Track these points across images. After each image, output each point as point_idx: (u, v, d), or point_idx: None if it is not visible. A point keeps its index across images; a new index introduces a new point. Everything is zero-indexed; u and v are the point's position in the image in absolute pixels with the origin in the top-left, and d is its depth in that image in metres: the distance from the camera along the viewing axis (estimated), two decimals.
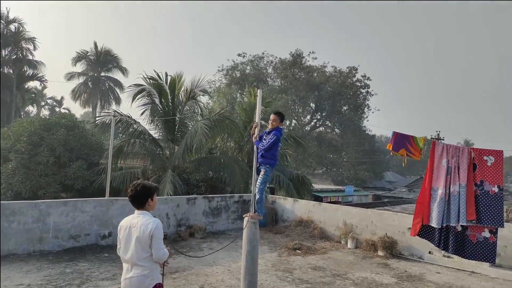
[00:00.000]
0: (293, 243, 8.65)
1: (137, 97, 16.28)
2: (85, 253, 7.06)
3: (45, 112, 43.95)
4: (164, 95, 16.06)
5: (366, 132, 44.49)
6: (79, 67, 39.94)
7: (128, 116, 16.00)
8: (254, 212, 5.34)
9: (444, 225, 5.37)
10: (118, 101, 40.98)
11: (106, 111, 36.28)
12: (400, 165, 61.34)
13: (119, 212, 8.10)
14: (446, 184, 5.33)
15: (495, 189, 5.18)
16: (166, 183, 13.49)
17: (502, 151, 5.33)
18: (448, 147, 5.41)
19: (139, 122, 16.23)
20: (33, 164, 16.16)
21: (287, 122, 41.64)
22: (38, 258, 6.56)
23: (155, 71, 15.93)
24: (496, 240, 5.32)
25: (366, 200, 38.24)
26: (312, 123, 44.79)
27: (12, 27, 21.23)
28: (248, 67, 41.87)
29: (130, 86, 16.48)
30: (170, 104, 16.17)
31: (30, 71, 23.82)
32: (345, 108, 42.10)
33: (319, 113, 43.69)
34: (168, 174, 14.15)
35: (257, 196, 5.29)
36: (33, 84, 33.38)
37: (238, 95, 39.79)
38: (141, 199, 3.05)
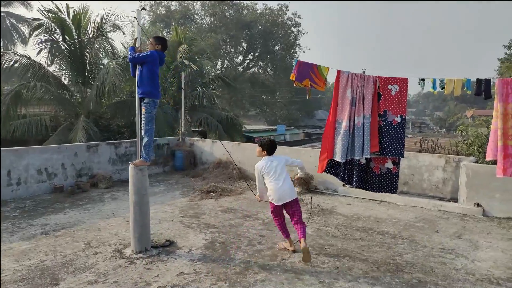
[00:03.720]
0: (208, 186, 8.22)
1: (33, 34, 14.08)
2: None
3: None
4: (68, 32, 14.00)
5: None
6: None
7: (26, 56, 13.81)
8: (140, 158, 4.64)
9: (349, 158, 5.14)
10: (24, 41, 35.97)
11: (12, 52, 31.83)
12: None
13: None
14: (350, 116, 5.02)
15: (398, 119, 4.96)
16: (77, 130, 12.15)
17: (406, 78, 5.06)
18: (353, 76, 5.01)
19: (40, 63, 14.12)
20: None
21: (218, 63, 40.05)
22: None
23: (53, 2, 13.61)
24: (398, 170, 5.24)
25: (298, 138, 39.37)
26: (245, 64, 43.62)
27: None
28: (174, 3, 38.62)
29: (26, 20, 14.04)
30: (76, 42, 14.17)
31: None
32: (277, 47, 41.28)
33: (251, 53, 42.45)
34: (80, 121, 12.76)
35: (145, 139, 4.56)
36: None
37: (165, 33, 36.95)
38: (274, 149, 4.83)
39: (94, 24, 14.50)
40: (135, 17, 4.52)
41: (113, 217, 6.18)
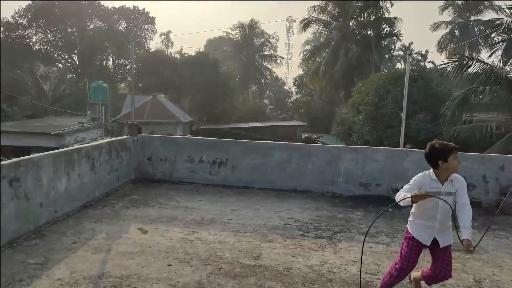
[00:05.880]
0: None
1: (491, 36, 13.55)
2: (370, 204, 6.62)
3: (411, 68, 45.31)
4: None
5: None
6: (446, 16, 37.49)
7: (480, 60, 13.59)
8: None
9: None
10: (491, 47, 35.29)
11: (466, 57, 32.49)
12: None
13: (415, 166, 6.99)
14: None
15: None
16: None
17: None
18: None
19: (493, 66, 13.39)
20: (379, 115, 17.11)
21: None
22: (326, 200, 6.83)
23: None
24: None
25: None
26: None
27: None
28: None
29: (482, 23, 13.75)
30: None
31: (387, 29, 24.85)
32: None
33: None
34: None
35: None
36: (399, 43, 34.63)
37: None
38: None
39: None
40: None
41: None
